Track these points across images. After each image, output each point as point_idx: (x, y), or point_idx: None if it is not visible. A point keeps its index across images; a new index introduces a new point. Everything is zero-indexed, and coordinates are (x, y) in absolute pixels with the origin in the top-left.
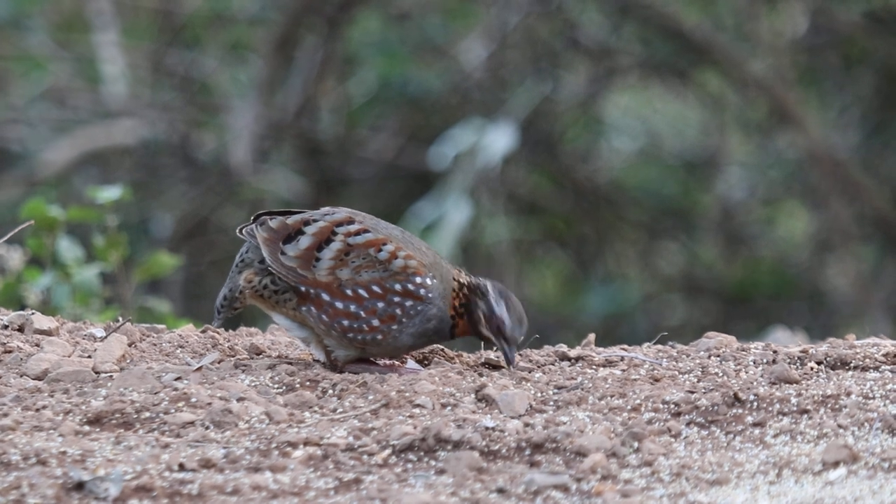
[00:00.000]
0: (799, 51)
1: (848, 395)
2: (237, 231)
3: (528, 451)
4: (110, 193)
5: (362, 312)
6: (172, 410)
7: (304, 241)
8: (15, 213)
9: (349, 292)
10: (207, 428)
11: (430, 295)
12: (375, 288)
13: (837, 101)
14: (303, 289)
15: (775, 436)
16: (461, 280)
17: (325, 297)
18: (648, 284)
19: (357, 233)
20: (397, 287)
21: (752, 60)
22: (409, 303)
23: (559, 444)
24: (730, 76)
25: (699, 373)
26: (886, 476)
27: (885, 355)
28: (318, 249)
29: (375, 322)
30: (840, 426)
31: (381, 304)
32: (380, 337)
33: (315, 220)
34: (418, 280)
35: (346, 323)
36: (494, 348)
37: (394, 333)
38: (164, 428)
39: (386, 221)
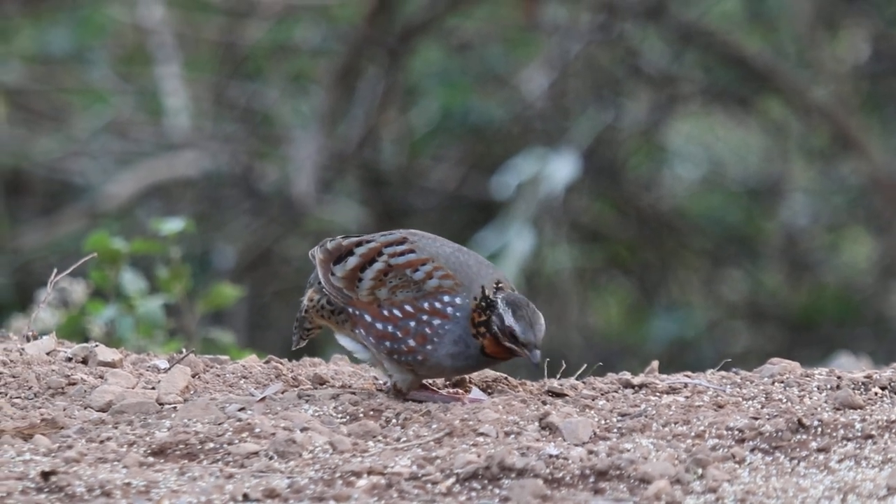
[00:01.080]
0: (861, 77)
1: None
2: (309, 254)
3: (592, 479)
4: (173, 225)
5: (399, 333)
6: (236, 441)
7: (351, 262)
8: (78, 246)
9: (386, 313)
10: (271, 458)
11: (457, 314)
12: (408, 307)
13: None
14: (350, 310)
15: (840, 461)
16: (482, 293)
17: (368, 318)
18: (712, 311)
19: (402, 253)
20: (426, 306)
21: (814, 87)
22: (436, 321)
23: (623, 471)
24: (792, 103)
25: (763, 399)
26: None
27: None
28: (361, 270)
29: (411, 342)
30: None
31: (412, 324)
32: (420, 358)
33: (368, 242)
34: (446, 299)
35: (388, 344)
36: (559, 375)
37: (431, 354)
38: (228, 458)
39: (444, 239)
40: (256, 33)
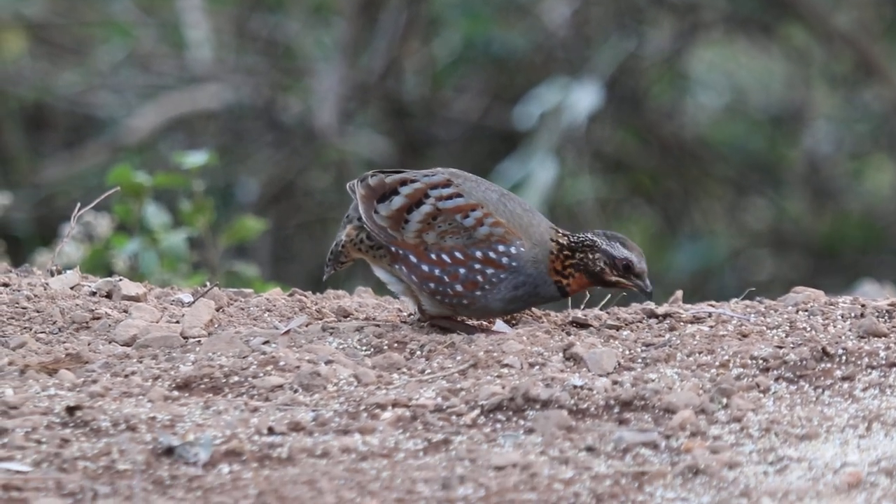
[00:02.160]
0: (884, 3)
1: None
2: (347, 187)
3: (616, 409)
4: (196, 159)
5: (446, 277)
6: (261, 374)
7: (397, 202)
8: (102, 180)
9: (433, 256)
10: (296, 391)
11: (514, 263)
12: (458, 254)
13: None
14: (393, 248)
15: (864, 389)
16: (560, 241)
17: (413, 258)
18: (736, 240)
19: (449, 196)
20: (478, 254)
21: (837, 13)
22: (490, 271)
23: (648, 402)
24: (815, 30)
25: (787, 328)
26: None
27: None
28: (408, 211)
29: (459, 287)
30: None
31: (462, 271)
32: (466, 301)
33: (413, 181)
34: (501, 248)
35: (432, 286)
36: (583, 306)
37: (479, 299)
38: (252, 392)
39: (489, 183)
40: None
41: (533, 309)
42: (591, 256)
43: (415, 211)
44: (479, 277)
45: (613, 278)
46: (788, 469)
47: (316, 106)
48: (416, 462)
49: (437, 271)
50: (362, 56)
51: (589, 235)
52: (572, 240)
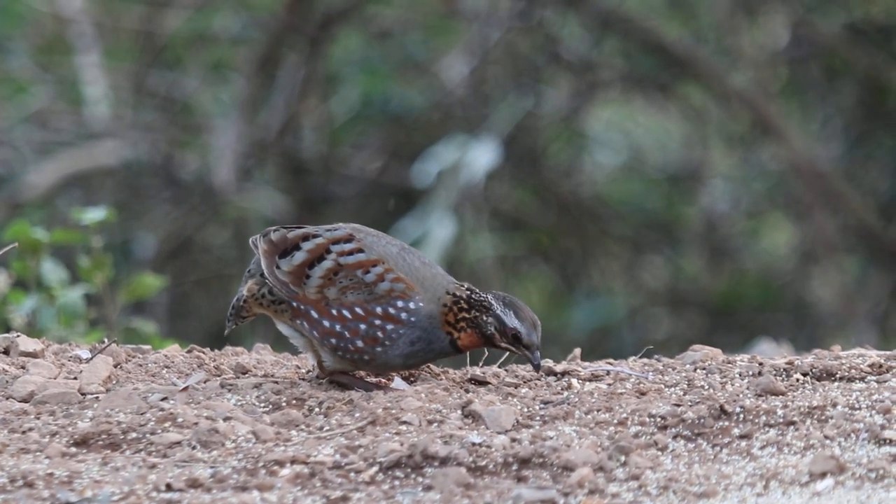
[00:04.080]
0: (780, 63)
1: (834, 406)
2: (250, 241)
3: (515, 467)
4: (94, 215)
5: (346, 333)
6: (159, 431)
7: (299, 257)
8: None
9: (335, 312)
10: (194, 448)
11: (412, 319)
12: (358, 310)
13: (820, 113)
14: (294, 304)
15: (762, 447)
16: (457, 294)
17: (314, 314)
18: (633, 298)
19: (350, 252)
20: (378, 310)
21: (733, 73)
22: (389, 326)
23: (546, 459)
24: (712, 89)
25: (685, 386)
26: (873, 486)
27: (871, 366)
28: (309, 266)
29: (359, 343)
30: (826, 437)
31: (363, 326)
32: (367, 357)
33: (315, 236)
34: (400, 304)
35: (333, 341)
36: (481, 363)
37: (380, 355)
38: (150, 448)
39: (389, 237)
40: (176, 22)
41: (431, 366)
42: (484, 318)
43: (316, 266)
44: (380, 333)
45: (503, 344)
46: None
47: (214, 162)
48: None
49: (337, 327)
50: (260, 113)
51: (489, 297)
52: (473, 296)
